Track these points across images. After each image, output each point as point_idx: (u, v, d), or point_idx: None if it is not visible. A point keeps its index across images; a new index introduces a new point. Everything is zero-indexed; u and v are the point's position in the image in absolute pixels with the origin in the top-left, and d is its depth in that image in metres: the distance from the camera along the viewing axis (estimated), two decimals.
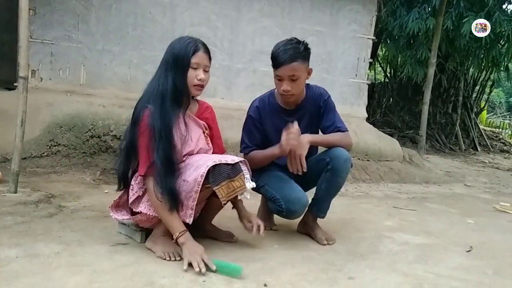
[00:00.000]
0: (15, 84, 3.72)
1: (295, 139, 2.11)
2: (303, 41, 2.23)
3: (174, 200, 1.81)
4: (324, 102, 2.35)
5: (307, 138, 2.21)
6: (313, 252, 2.16)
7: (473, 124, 9.21)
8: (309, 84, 2.37)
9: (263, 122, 2.35)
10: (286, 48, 2.16)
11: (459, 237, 2.69)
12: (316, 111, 2.36)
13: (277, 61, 2.18)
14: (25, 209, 2.43)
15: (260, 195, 2.47)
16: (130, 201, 1.97)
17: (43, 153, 3.49)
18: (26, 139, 3.04)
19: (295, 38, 2.24)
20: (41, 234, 2.05)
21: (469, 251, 2.40)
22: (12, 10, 4.23)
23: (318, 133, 2.42)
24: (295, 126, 2.11)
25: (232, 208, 2.12)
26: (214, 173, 1.82)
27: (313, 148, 2.45)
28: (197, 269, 1.73)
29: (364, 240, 2.45)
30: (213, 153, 2.07)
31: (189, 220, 1.87)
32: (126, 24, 4.12)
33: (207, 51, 1.96)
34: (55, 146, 3.54)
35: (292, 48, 2.16)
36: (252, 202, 2.16)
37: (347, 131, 2.35)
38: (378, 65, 10.85)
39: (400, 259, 2.19)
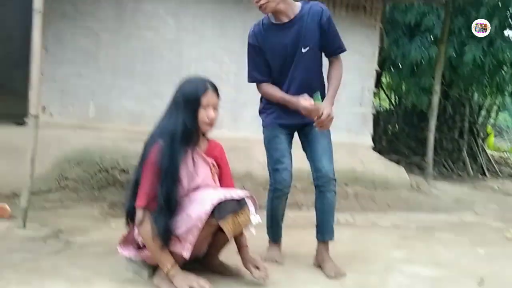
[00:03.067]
0: (25, 119, 3.80)
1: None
2: None
3: (167, 239, 1.84)
4: (327, 20, 2.34)
5: (329, 106, 2.29)
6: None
7: (480, 149, 9.14)
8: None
9: (262, 45, 2.37)
10: None
11: (469, 268, 2.64)
12: (316, 26, 2.33)
13: None
14: (33, 246, 2.45)
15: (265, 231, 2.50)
16: (136, 235, 1.99)
17: (52, 188, 3.53)
18: (35, 174, 3.07)
19: None
20: (49, 271, 2.05)
21: (480, 282, 2.36)
22: (24, 48, 4.37)
23: (320, 53, 2.48)
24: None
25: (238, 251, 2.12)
26: (220, 208, 1.83)
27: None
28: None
29: (373, 273, 2.42)
30: None
31: (186, 254, 1.86)
32: (134, 60, 4.24)
33: (215, 89, 2.04)
34: (63, 180, 3.58)
35: None
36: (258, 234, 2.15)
37: (345, 50, 2.53)
38: (383, 92, 10.92)
39: None
